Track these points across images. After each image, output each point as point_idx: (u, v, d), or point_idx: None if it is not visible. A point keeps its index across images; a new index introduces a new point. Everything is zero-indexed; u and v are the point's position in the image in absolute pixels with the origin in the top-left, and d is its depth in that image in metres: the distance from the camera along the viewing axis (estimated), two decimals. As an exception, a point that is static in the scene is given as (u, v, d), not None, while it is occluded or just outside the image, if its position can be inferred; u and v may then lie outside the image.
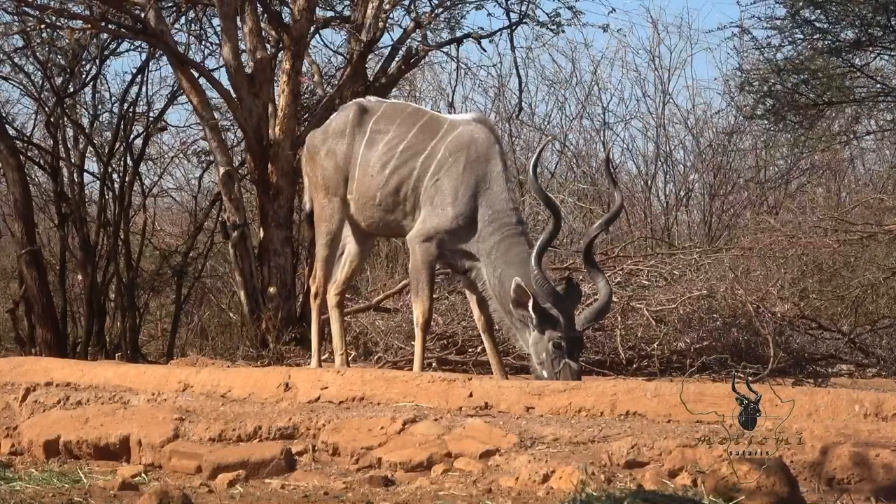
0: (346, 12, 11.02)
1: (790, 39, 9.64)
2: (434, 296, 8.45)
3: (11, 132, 11.38)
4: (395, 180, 6.11)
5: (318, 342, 6.59)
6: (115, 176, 11.95)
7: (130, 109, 12.02)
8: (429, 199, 6.02)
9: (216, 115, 10.16)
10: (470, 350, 7.50)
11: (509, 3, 10.73)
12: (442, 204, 5.98)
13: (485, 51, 16.58)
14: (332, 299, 6.49)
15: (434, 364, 7.47)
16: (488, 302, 6.07)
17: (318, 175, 6.33)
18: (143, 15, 9.21)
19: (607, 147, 7.42)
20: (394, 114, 6.27)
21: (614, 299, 7.08)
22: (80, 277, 11.60)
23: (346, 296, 6.87)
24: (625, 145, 14.23)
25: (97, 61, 11.82)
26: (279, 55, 10.26)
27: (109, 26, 9.97)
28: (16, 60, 11.70)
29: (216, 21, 10.71)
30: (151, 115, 12.28)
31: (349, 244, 6.49)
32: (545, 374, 5.72)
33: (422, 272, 6.03)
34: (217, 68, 11.01)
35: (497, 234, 5.94)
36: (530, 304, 5.68)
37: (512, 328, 5.98)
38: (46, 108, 11.75)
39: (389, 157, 6.11)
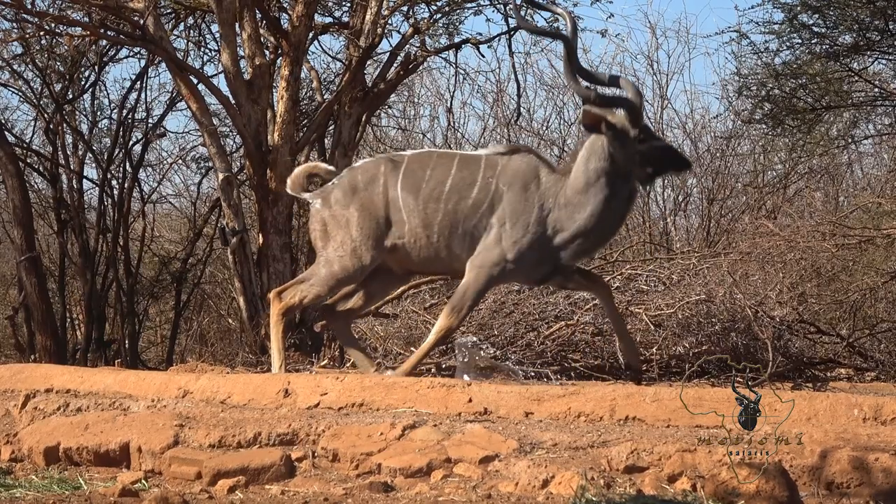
0: (345, 18, 11.05)
1: (788, 44, 9.67)
2: (433, 301, 8.49)
3: (11, 139, 11.41)
4: (449, 218, 5.98)
5: (282, 357, 6.50)
6: (114, 182, 11.99)
7: (129, 116, 12.07)
8: (497, 225, 5.97)
9: (215, 121, 10.18)
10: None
11: (508, 8, 10.75)
12: (512, 230, 5.91)
13: (483, 56, 16.69)
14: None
15: (433, 370, 7.46)
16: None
17: (351, 221, 6.08)
18: (141, 22, 9.22)
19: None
20: (422, 158, 6.19)
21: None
22: (79, 284, 11.63)
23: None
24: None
25: (96, 68, 11.86)
26: (278, 61, 10.28)
27: (108, 33, 10.00)
28: (15, 67, 11.74)
29: (215, 27, 10.75)
30: (150, 121, 12.34)
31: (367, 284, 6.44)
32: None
33: (473, 294, 5.94)
34: (216, 74, 11.06)
35: (567, 222, 5.94)
36: (603, 125, 5.74)
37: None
38: (45, 115, 11.78)
39: (438, 195, 5.99)
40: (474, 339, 6.81)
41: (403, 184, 6.06)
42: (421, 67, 11.71)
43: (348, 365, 8.14)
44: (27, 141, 12.56)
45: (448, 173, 6.03)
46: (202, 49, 11.90)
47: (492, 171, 5.99)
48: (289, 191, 6.46)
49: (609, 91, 5.90)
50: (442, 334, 6.01)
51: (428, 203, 6.01)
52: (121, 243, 11.89)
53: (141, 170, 12.43)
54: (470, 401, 5.05)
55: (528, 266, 5.95)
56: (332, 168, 6.45)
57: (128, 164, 12.05)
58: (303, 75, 10.48)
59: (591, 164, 5.88)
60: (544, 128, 14.59)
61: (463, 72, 14.25)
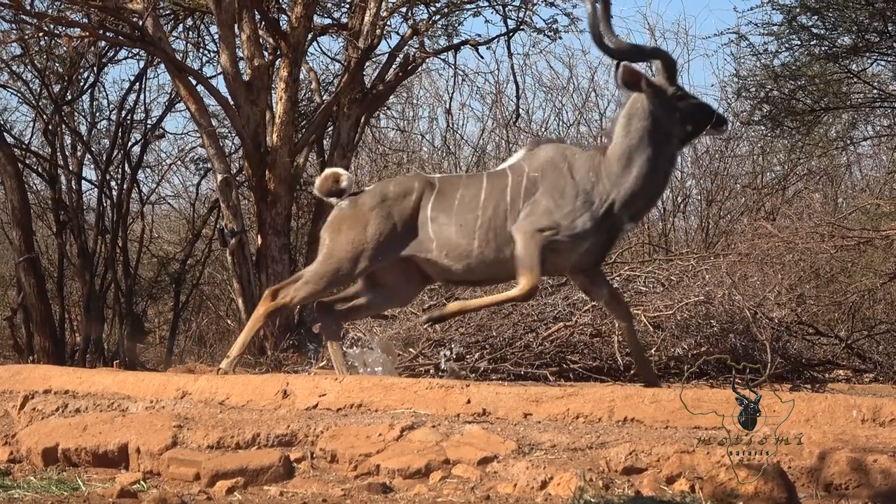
0: (344, 19, 11.05)
1: (787, 45, 9.66)
2: (432, 303, 8.48)
3: (9, 140, 11.41)
4: (489, 222, 5.94)
5: (241, 354, 6.47)
6: (112, 183, 11.99)
7: (128, 117, 12.07)
8: (544, 199, 5.84)
9: (214, 122, 10.18)
10: (467, 357, 7.50)
11: (507, 10, 10.77)
12: (560, 201, 5.82)
13: (482, 57, 16.65)
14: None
15: (431, 371, 7.47)
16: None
17: (370, 224, 6.05)
18: (140, 23, 9.22)
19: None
20: (452, 179, 6.30)
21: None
22: (78, 285, 11.62)
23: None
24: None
25: (95, 69, 11.85)
26: (277, 62, 10.28)
27: (107, 34, 10.01)
28: (14, 68, 11.74)
29: (214, 29, 10.75)
30: (149, 122, 12.34)
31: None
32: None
33: (534, 250, 5.77)
34: (215, 76, 11.05)
35: (610, 185, 5.84)
36: (643, 82, 5.70)
37: None
38: (44, 116, 11.78)
39: (475, 206, 5.98)
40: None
41: (437, 201, 6.07)
42: (420, 69, 11.71)
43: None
44: (26, 142, 12.56)
45: (480, 186, 6.04)
46: (201, 50, 11.92)
47: (520, 171, 5.98)
48: (316, 192, 6.45)
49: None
50: (524, 292, 5.79)
51: (466, 214, 6.00)
52: (119, 244, 11.88)
53: (140, 171, 12.43)
54: (468, 402, 5.05)
55: (582, 239, 5.81)
56: (348, 174, 6.44)
57: (126, 165, 12.05)
58: (302, 76, 10.49)
59: (632, 126, 5.80)
60: (543, 129, 14.58)
61: (462, 73, 14.23)
